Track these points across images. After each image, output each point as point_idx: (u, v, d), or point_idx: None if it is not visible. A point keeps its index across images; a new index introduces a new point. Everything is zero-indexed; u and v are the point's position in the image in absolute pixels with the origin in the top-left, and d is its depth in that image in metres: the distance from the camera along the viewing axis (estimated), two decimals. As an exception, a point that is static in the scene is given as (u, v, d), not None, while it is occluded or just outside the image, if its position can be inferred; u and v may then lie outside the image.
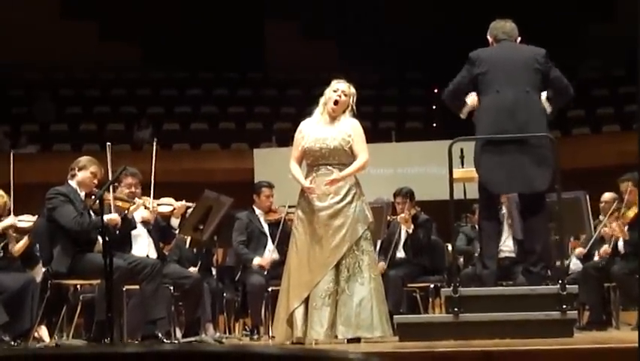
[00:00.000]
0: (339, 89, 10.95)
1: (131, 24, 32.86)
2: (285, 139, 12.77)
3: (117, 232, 12.07)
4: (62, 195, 11.88)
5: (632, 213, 14.11)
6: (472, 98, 11.14)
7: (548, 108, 11.28)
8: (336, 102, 10.81)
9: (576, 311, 11.46)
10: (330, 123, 10.84)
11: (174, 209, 13.39)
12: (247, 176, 23.12)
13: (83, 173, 12.09)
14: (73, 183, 12.07)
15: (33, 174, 17.61)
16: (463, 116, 11.40)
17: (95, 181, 12.10)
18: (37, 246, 13.06)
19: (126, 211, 12.61)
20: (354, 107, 11.04)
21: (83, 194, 12.00)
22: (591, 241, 14.90)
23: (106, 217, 11.30)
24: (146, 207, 12.88)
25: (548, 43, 11.49)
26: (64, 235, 11.80)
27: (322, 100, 11.01)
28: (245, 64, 32.98)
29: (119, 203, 12.43)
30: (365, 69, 30.50)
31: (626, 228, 14.09)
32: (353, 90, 11.01)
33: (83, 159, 12.43)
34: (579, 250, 15.25)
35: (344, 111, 10.93)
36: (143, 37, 33.65)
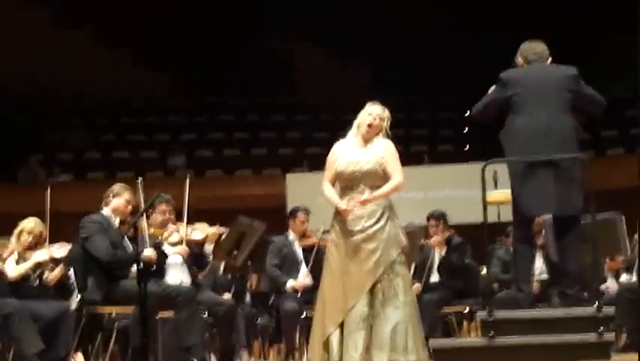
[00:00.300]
0: (374, 112, 10.84)
1: (164, 51, 32.92)
2: (317, 164, 12.80)
3: (153, 266, 12.11)
4: (96, 223, 11.93)
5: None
6: None
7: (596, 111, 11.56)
8: (370, 125, 10.70)
9: (613, 333, 11.35)
10: (363, 146, 10.71)
11: (207, 236, 13.44)
12: (279, 201, 23.13)
13: (117, 200, 12.16)
14: (107, 210, 12.13)
15: (67, 203, 17.62)
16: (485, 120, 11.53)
17: (129, 208, 12.16)
18: (72, 273, 13.12)
19: (160, 238, 12.67)
20: (389, 131, 10.99)
21: (117, 221, 12.05)
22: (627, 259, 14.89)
23: (144, 254, 11.37)
24: (179, 234, 12.94)
25: (579, 62, 11.49)
26: (99, 264, 11.85)
27: (356, 123, 10.89)
28: (277, 89, 32.99)
29: (153, 230, 12.48)
30: (397, 92, 30.60)
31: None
32: (387, 114, 10.91)
33: (117, 187, 12.49)
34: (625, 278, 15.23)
35: (377, 134, 10.85)
36: (178, 64, 33.29)
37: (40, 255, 13.07)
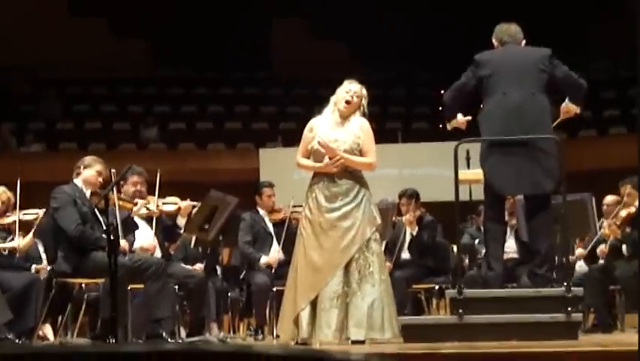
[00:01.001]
0: (352, 89, 10.95)
1: (139, 21, 32.76)
2: (292, 139, 12.81)
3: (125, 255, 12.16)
4: (67, 194, 11.98)
5: (625, 212, 14.21)
6: (462, 119, 11.39)
7: (577, 109, 11.51)
8: (347, 102, 10.81)
9: (581, 314, 11.47)
10: (340, 124, 10.85)
11: (179, 208, 13.49)
12: (253, 176, 23.15)
13: (88, 171, 12.19)
14: (78, 181, 12.17)
15: (39, 173, 17.62)
16: (448, 127, 11.69)
17: (101, 180, 12.20)
18: (40, 244, 13.19)
19: (130, 211, 12.74)
20: (366, 110, 11.10)
21: (88, 192, 12.09)
22: (592, 243, 14.98)
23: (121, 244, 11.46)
24: (148, 209, 12.99)
25: (555, 44, 11.56)
26: (68, 236, 11.90)
27: (333, 99, 11.00)
28: (252, 63, 32.98)
29: (122, 203, 12.51)
30: (372, 68, 30.64)
31: (624, 228, 14.22)
32: (365, 92, 11.02)
33: (88, 158, 12.56)
34: (579, 252, 15.30)
35: (354, 112, 10.96)
36: (152, 35, 33.34)
37: (7, 219, 13.20)
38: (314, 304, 10.61)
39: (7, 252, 13.45)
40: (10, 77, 31.99)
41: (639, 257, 12.91)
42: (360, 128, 10.90)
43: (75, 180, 12.19)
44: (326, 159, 10.68)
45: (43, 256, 13.58)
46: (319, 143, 10.65)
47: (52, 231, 12.19)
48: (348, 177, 10.74)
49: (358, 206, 10.68)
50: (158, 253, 12.99)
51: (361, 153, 10.77)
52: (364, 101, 11.02)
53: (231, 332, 15.08)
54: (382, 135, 26.70)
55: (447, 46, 27.55)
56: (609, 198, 15.16)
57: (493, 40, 11.58)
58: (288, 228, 13.89)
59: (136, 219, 13.10)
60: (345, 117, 10.87)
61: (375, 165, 10.93)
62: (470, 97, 11.35)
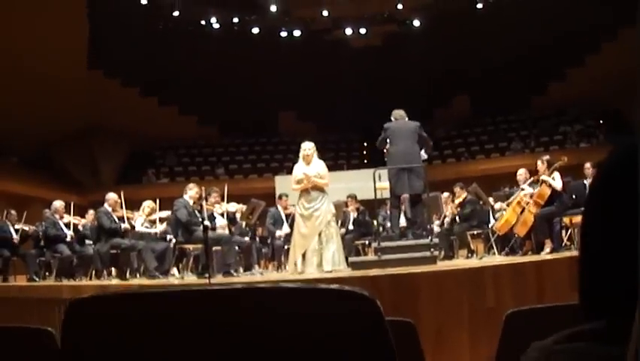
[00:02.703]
0: (305, 148, 11.37)
1: (208, 105, 31.65)
2: (290, 172, 12.98)
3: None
4: (181, 203, 12.22)
5: (457, 202, 14.58)
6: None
7: (425, 155, 12.04)
8: (304, 157, 11.26)
9: (437, 252, 11.68)
10: (308, 165, 11.20)
11: (237, 209, 13.91)
12: (271, 191, 23.16)
13: (191, 192, 12.40)
14: (186, 197, 12.36)
15: (165, 193, 17.64)
16: (384, 150, 11.99)
17: (197, 196, 12.43)
18: (170, 228, 13.39)
19: (213, 210, 13.05)
20: (317, 154, 11.48)
21: (191, 202, 12.31)
22: (442, 217, 15.27)
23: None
24: (221, 210, 13.38)
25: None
26: (182, 223, 12.16)
27: (301, 153, 11.39)
28: (269, 133, 32.81)
29: (209, 207, 12.84)
30: (331, 134, 30.64)
31: (461, 208, 14.51)
32: (312, 145, 11.40)
33: (191, 185, 12.75)
34: (437, 223, 15.56)
35: (312, 157, 11.30)
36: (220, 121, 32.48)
37: (155, 216, 13.54)
38: (304, 255, 10.99)
39: (154, 233, 13.76)
40: (153, 146, 31.73)
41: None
42: (320, 165, 11.29)
43: (185, 196, 12.37)
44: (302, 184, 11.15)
45: (170, 235, 13.69)
46: (304, 174, 11.04)
47: (175, 221, 12.42)
48: (317, 190, 11.07)
49: (322, 205, 11.05)
50: (226, 231, 13.25)
51: (321, 178, 11.12)
52: (313, 151, 11.35)
53: (264, 268, 15.12)
54: (336, 167, 26.87)
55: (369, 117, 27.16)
56: (445, 195, 15.47)
57: (392, 117, 11.98)
58: (292, 218, 14.02)
59: (215, 214, 13.38)
60: (308, 162, 11.21)
61: (328, 183, 11.25)
62: (384, 143, 11.69)
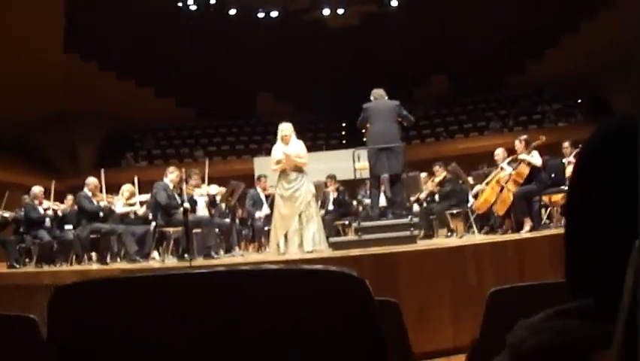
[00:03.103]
0: (282, 129, 11.41)
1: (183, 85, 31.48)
2: (268, 153, 12.88)
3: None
4: (162, 186, 12.22)
5: (437, 180, 14.60)
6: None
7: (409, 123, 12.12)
8: (282, 138, 11.30)
9: (417, 231, 11.75)
10: (286, 145, 11.23)
11: (218, 192, 13.90)
12: (250, 173, 23.12)
13: (171, 175, 12.42)
14: (167, 180, 12.35)
15: (145, 177, 17.48)
16: (363, 130, 12.10)
17: (177, 179, 12.44)
18: (150, 211, 13.38)
19: (193, 193, 13.03)
20: (295, 134, 11.48)
21: (171, 185, 12.31)
22: (421, 195, 15.33)
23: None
24: (201, 193, 13.35)
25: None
26: (162, 206, 12.17)
27: (279, 135, 11.42)
28: (246, 115, 32.75)
29: (189, 190, 12.83)
30: (310, 114, 30.60)
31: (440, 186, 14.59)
32: (289, 126, 11.43)
33: (171, 168, 12.75)
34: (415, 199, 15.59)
35: (290, 138, 11.32)
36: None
37: (135, 199, 13.53)
38: (286, 236, 11.00)
39: (134, 217, 13.72)
40: (131, 129, 31.54)
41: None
42: (298, 145, 11.32)
43: (165, 179, 12.37)
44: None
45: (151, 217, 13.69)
46: (284, 153, 11.05)
47: (155, 203, 12.41)
48: (296, 171, 11.13)
49: (302, 185, 11.10)
50: (206, 213, 13.26)
51: (300, 158, 11.16)
52: (291, 131, 11.39)
53: (244, 250, 15.09)
54: (315, 147, 26.86)
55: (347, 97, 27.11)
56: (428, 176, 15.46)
57: (371, 97, 12.02)
58: (271, 198, 14.01)
59: (196, 197, 13.37)
60: (287, 143, 11.24)
61: (307, 162, 11.32)
62: (364, 123, 11.72)
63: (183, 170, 12.87)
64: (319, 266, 1.29)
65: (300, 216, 11.03)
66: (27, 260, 15.16)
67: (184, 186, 12.52)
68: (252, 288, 1.31)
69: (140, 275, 1.40)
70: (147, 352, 1.39)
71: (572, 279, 1.10)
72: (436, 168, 14.77)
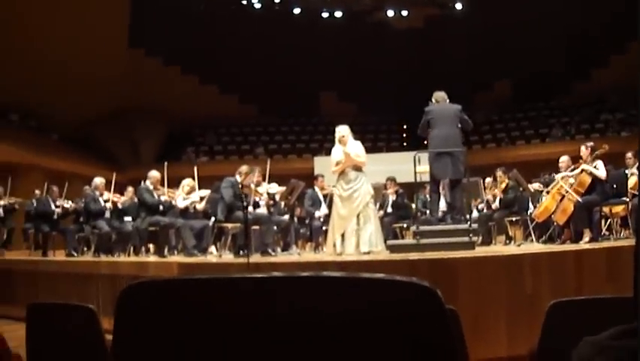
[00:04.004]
0: (339, 132, 11.58)
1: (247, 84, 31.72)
2: (329, 153, 12.82)
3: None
4: (230, 182, 12.32)
5: (499, 189, 14.44)
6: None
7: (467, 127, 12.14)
8: (339, 140, 11.45)
9: (477, 237, 11.71)
10: (345, 145, 11.36)
11: (278, 191, 13.96)
12: (310, 171, 23.15)
13: (243, 174, 12.55)
14: (238, 177, 12.42)
15: (205, 172, 17.57)
16: (425, 135, 12.04)
17: (248, 179, 12.60)
18: (211, 206, 13.47)
19: (253, 192, 13.11)
20: (352, 135, 11.66)
21: (240, 184, 12.39)
22: (481, 202, 15.19)
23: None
24: (257, 193, 13.38)
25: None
26: (224, 202, 12.26)
27: (336, 137, 11.58)
28: (310, 114, 32.84)
29: (252, 188, 12.91)
30: (371, 115, 30.59)
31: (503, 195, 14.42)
32: (345, 128, 11.61)
33: (245, 167, 12.85)
34: (481, 205, 15.48)
35: (347, 139, 11.47)
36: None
37: (194, 195, 13.58)
38: (343, 236, 11.04)
39: (193, 211, 13.82)
40: (193, 125, 31.93)
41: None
42: (356, 146, 11.50)
43: (237, 176, 12.41)
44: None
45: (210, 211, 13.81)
46: (344, 152, 11.13)
47: (218, 199, 12.53)
48: (355, 171, 11.26)
49: (362, 186, 11.23)
50: (266, 211, 13.34)
51: (358, 157, 11.34)
52: (348, 133, 11.55)
53: (302, 249, 15.08)
54: (376, 149, 26.83)
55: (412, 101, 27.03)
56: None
57: (432, 99, 12.01)
58: (330, 198, 14.00)
59: (256, 197, 13.47)
60: (344, 144, 11.38)
61: (365, 162, 11.47)
62: (426, 127, 11.66)
63: (258, 172, 13.09)
64: (381, 275, 1.28)
65: (357, 216, 11.13)
66: (85, 249, 15.39)
67: (252, 186, 12.73)
68: (312, 295, 1.30)
69: (202, 277, 1.41)
70: (207, 355, 1.40)
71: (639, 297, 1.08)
72: (499, 174, 14.57)
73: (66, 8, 23.34)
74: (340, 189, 11.30)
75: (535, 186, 13.64)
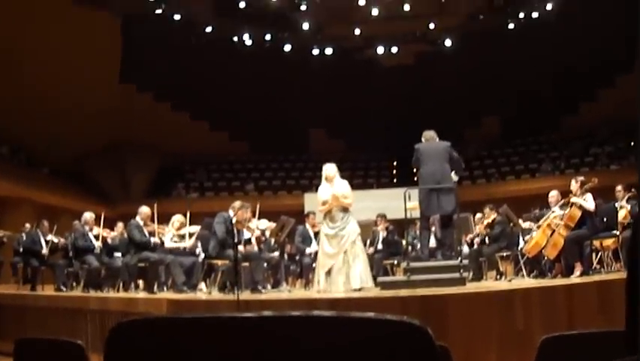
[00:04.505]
0: (325, 170, 11.67)
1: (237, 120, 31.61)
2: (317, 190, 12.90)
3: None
4: (223, 219, 12.30)
5: (485, 223, 14.45)
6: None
7: (455, 177, 12.00)
8: (326, 178, 11.54)
9: (467, 273, 11.68)
10: (331, 184, 11.44)
11: (267, 227, 13.96)
12: (300, 208, 23.14)
13: (239, 210, 12.53)
14: (231, 213, 12.40)
15: (196, 208, 17.58)
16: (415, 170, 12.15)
17: (242, 215, 12.58)
18: (201, 242, 13.46)
19: (245, 228, 13.08)
20: (339, 175, 11.67)
21: (234, 218, 12.35)
22: (472, 237, 15.15)
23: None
24: (249, 229, 13.34)
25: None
26: (216, 238, 12.23)
27: (323, 175, 11.69)
28: (299, 152, 32.84)
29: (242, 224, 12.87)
30: (361, 152, 30.66)
31: (489, 228, 14.41)
32: (332, 166, 11.67)
33: (237, 203, 12.80)
34: (465, 240, 15.46)
35: (333, 178, 11.50)
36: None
37: (184, 240, 13.55)
38: (329, 272, 11.10)
39: (183, 248, 13.74)
40: (183, 161, 31.73)
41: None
42: (342, 185, 11.54)
43: (230, 212, 12.40)
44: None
45: (199, 250, 13.80)
46: (332, 194, 11.25)
47: (208, 236, 12.52)
48: (341, 210, 11.28)
49: (347, 224, 11.23)
50: (255, 248, 13.28)
51: (345, 198, 11.34)
52: (335, 172, 11.59)
53: (292, 286, 15.05)
54: (366, 185, 26.84)
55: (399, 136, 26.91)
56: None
57: (422, 138, 12.07)
58: (318, 235, 14.02)
59: (246, 232, 13.43)
60: (331, 182, 11.47)
61: (352, 203, 11.47)
62: (418, 163, 11.71)
63: (249, 209, 13.06)
64: (371, 314, 1.27)
65: (345, 253, 11.11)
66: (74, 284, 15.29)
67: (244, 223, 12.72)
68: (303, 335, 1.29)
69: (193, 316, 1.40)
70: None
71: (631, 331, 1.07)
72: (487, 210, 14.62)
73: (58, 43, 23.45)
74: (327, 228, 11.32)
75: (525, 225, 13.63)
